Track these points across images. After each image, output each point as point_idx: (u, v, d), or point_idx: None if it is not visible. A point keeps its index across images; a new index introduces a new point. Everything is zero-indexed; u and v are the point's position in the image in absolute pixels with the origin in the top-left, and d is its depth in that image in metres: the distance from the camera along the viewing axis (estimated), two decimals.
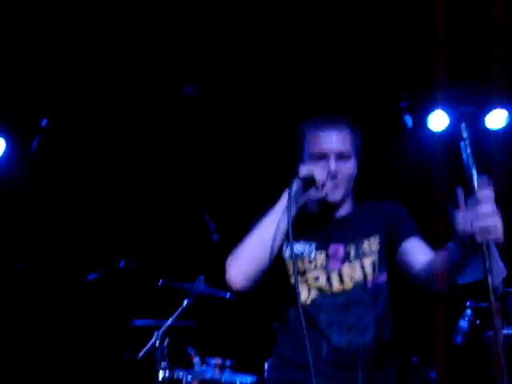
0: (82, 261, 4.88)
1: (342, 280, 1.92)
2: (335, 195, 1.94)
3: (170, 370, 3.74)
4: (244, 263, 1.84)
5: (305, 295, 1.93)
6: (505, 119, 5.04)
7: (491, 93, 4.98)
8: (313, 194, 1.88)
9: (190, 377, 3.75)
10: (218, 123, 5.13)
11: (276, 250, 1.84)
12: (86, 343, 5.03)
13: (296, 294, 1.86)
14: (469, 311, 3.59)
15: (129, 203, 5.24)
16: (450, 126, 5.14)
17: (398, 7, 4.19)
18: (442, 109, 5.13)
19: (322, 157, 1.91)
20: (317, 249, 1.94)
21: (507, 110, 5.02)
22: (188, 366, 3.86)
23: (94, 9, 4.01)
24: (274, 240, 1.81)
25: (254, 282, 1.85)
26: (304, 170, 1.87)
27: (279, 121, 4.92)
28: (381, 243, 1.95)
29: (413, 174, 5.13)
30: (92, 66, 4.56)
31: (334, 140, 1.92)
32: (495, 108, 5.05)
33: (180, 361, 3.88)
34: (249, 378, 3.69)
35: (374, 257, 1.94)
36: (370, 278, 1.93)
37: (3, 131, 4.89)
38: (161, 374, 3.72)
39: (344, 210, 2.00)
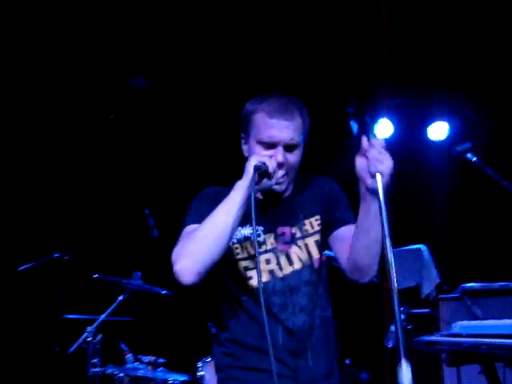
0: (14, 251, 4.73)
1: (290, 261, 1.91)
2: (282, 186, 1.92)
3: (101, 365, 3.66)
4: (196, 257, 1.75)
5: (256, 280, 1.87)
6: (446, 131, 5.19)
7: (434, 104, 5.12)
8: (264, 183, 1.83)
9: (121, 374, 3.68)
10: (161, 118, 5.08)
11: (229, 240, 1.79)
12: (15, 335, 4.87)
13: (247, 278, 1.88)
14: (401, 316, 3.67)
15: (68, 195, 5.11)
16: (394, 133, 5.27)
17: (345, 16, 4.26)
18: (387, 117, 5.24)
19: (271, 145, 1.87)
20: (265, 232, 1.93)
21: (448, 122, 5.17)
22: (120, 363, 3.79)
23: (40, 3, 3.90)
24: (227, 231, 1.76)
25: (204, 275, 1.77)
26: (255, 160, 1.81)
27: (221, 119, 4.91)
28: (321, 223, 1.96)
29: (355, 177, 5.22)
30: (36, 55, 4.42)
31: (284, 130, 1.86)
32: (437, 120, 5.20)
33: (112, 357, 3.81)
34: (181, 377, 3.65)
35: (317, 236, 1.94)
36: (315, 257, 1.93)
37: None
38: (92, 370, 3.64)
39: (286, 193, 1.98)
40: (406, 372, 1.43)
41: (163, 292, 3.84)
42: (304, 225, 1.94)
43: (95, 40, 4.45)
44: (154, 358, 3.77)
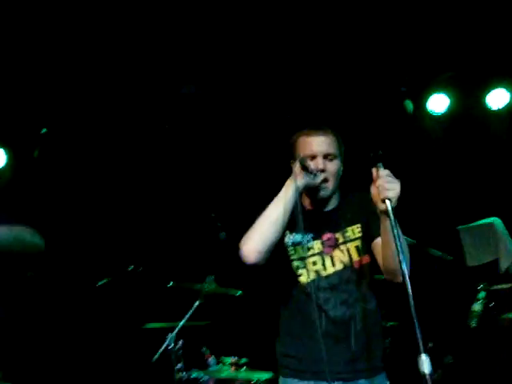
0: (91, 267, 4.87)
1: (333, 263, 2.30)
2: (327, 191, 2.30)
3: (185, 370, 3.73)
4: (255, 241, 2.17)
5: (305, 277, 2.29)
6: (507, 99, 4.99)
7: (491, 73, 4.92)
8: (309, 179, 2.21)
9: (206, 376, 3.74)
10: (220, 122, 5.09)
11: (281, 229, 2.19)
12: (99, 349, 5.02)
13: (297, 276, 2.29)
14: (482, 294, 3.57)
15: (134, 207, 5.21)
16: (449, 107, 5.13)
17: None
18: (443, 91, 5.09)
19: (312, 157, 2.29)
20: (313, 238, 2.32)
21: (508, 90, 4.96)
22: (203, 366, 3.85)
23: (89, 15, 3.97)
24: (279, 220, 2.17)
25: (264, 256, 2.18)
26: (301, 158, 2.23)
27: (278, 119, 4.89)
28: (362, 230, 2.31)
29: (414, 156, 5.11)
30: (89, 73, 4.52)
31: (321, 143, 2.31)
32: (495, 88, 5.01)
33: (195, 361, 3.87)
34: (265, 375, 3.67)
35: (358, 242, 2.30)
36: (355, 259, 2.30)
37: (3, 142, 4.88)
38: (177, 376, 3.70)
39: (332, 204, 2.37)
40: (425, 362, 1.68)
41: (237, 293, 3.87)
42: (346, 232, 2.31)
43: (145, 51, 4.49)
44: (236, 358, 3.82)
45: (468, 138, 5.20)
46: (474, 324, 3.48)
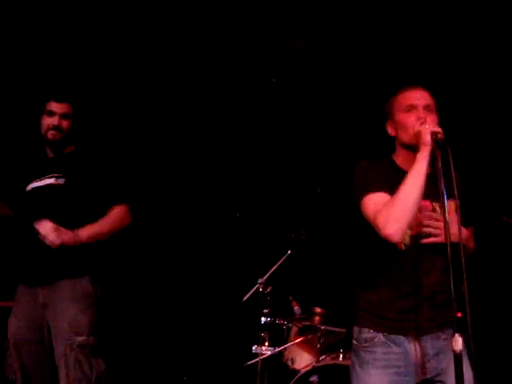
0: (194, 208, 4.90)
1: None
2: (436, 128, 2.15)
3: (271, 316, 3.85)
4: (401, 220, 2.11)
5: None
6: None
7: None
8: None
9: (289, 324, 3.88)
10: (324, 80, 4.96)
11: (418, 205, 2.13)
12: (189, 284, 5.00)
13: None
14: None
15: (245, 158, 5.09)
16: None
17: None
18: None
19: (411, 109, 2.24)
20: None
21: None
22: (288, 314, 3.95)
23: None
24: (419, 198, 2.11)
25: (404, 233, 2.15)
26: (427, 129, 2.10)
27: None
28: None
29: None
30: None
31: (420, 95, 2.27)
32: None
33: (281, 309, 3.97)
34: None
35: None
36: None
37: None
38: (263, 319, 3.85)
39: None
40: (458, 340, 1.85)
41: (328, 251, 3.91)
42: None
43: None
44: (321, 309, 3.91)
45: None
46: None
